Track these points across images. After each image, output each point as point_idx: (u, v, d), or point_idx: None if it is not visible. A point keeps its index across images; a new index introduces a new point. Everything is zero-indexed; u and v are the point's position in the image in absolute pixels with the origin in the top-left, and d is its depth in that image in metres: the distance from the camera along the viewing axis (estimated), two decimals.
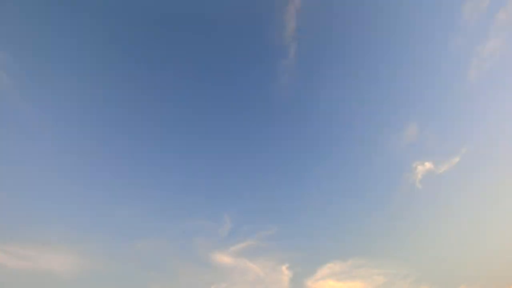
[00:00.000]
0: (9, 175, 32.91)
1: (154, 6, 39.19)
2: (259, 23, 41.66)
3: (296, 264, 38.48)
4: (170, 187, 41.50)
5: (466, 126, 42.62)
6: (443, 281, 35.98)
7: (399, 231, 41.15)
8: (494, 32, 40.36)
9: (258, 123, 45.62)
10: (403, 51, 43.41)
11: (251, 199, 42.31)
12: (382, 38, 43.02)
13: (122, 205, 38.01)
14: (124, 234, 36.66)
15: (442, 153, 41.75)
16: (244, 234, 39.93)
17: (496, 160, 39.84)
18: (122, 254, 35.43)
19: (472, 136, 42.02)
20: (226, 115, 44.99)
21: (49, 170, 35.92)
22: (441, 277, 36.41)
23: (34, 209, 33.38)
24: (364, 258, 38.52)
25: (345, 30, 43.13)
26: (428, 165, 41.09)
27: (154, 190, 40.76)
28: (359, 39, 43.43)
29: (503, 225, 37.19)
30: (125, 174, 40.16)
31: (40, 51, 35.55)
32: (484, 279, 34.78)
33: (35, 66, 35.35)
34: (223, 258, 38.12)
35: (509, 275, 33.74)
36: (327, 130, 46.37)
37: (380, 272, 37.37)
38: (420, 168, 41.23)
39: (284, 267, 38.15)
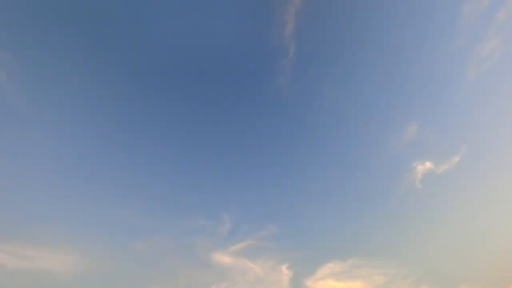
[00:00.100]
0: (9, 175, 33.01)
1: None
2: (259, 23, 41.75)
3: (296, 264, 38.58)
4: (169, 187, 41.49)
5: (465, 126, 42.66)
6: (443, 281, 36.04)
7: (399, 231, 41.23)
8: (493, 32, 40.43)
9: (258, 122, 45.67)
10: (403, 51, 43.53)
11: (251, 199, 42.37)
12: (381, 38, 43.12)
13: (122, 205, 38.06)
14: (123, 234, 36.70)
15: (442, 153, 41.83)
16: (244, 233, 39.99)
17: (496, 159, 39.95)
18: (122, 254, 35.47)
19: (472, 135, 42.07)
20: (226, 115, 45.04)
21: (49, 170, 35.98)
22: (441, 277, 36.46)
23: (33, 209, 33.42)
24: (364, 258, 38.64)
25: (344, 30, 43.19)
26: (428, 165, 41.16)
27: (153, 190, 40.76)
28: (358, 39, 43.53)
29: (503, 225, 37.27)
30: (124, 174, 40.16)
31: (40, 51, 35.63)
32: (484, 279, 34.83)
33: (35, 66, 35.44)
34: (223, 258, 38.19)
35: (509, 275, 33.79)
36: (327, 130, 46.46)
37: (380, 272, 37.46)
38: (420, 168, 41.30)
39: (284, 267, 38.24)
